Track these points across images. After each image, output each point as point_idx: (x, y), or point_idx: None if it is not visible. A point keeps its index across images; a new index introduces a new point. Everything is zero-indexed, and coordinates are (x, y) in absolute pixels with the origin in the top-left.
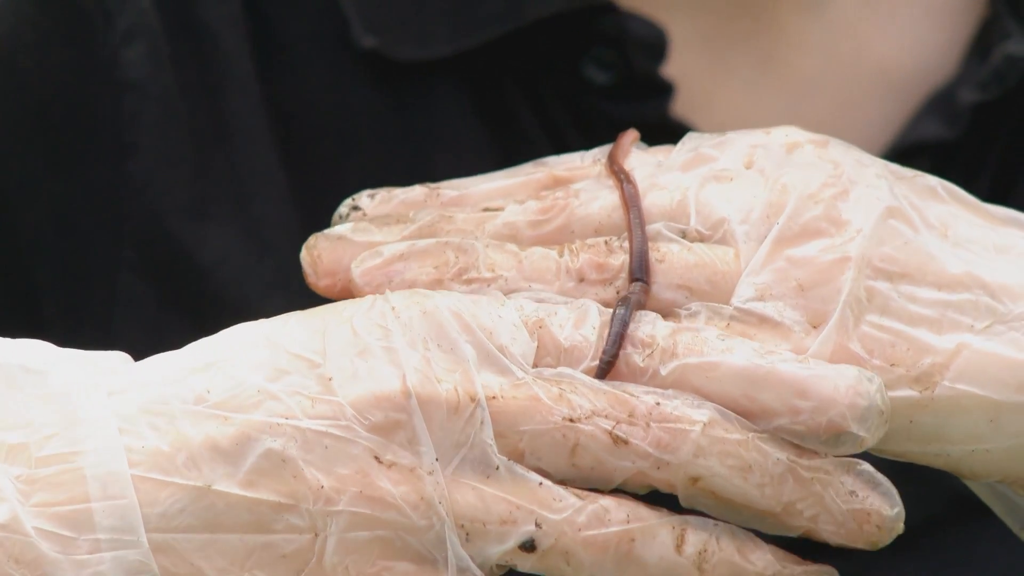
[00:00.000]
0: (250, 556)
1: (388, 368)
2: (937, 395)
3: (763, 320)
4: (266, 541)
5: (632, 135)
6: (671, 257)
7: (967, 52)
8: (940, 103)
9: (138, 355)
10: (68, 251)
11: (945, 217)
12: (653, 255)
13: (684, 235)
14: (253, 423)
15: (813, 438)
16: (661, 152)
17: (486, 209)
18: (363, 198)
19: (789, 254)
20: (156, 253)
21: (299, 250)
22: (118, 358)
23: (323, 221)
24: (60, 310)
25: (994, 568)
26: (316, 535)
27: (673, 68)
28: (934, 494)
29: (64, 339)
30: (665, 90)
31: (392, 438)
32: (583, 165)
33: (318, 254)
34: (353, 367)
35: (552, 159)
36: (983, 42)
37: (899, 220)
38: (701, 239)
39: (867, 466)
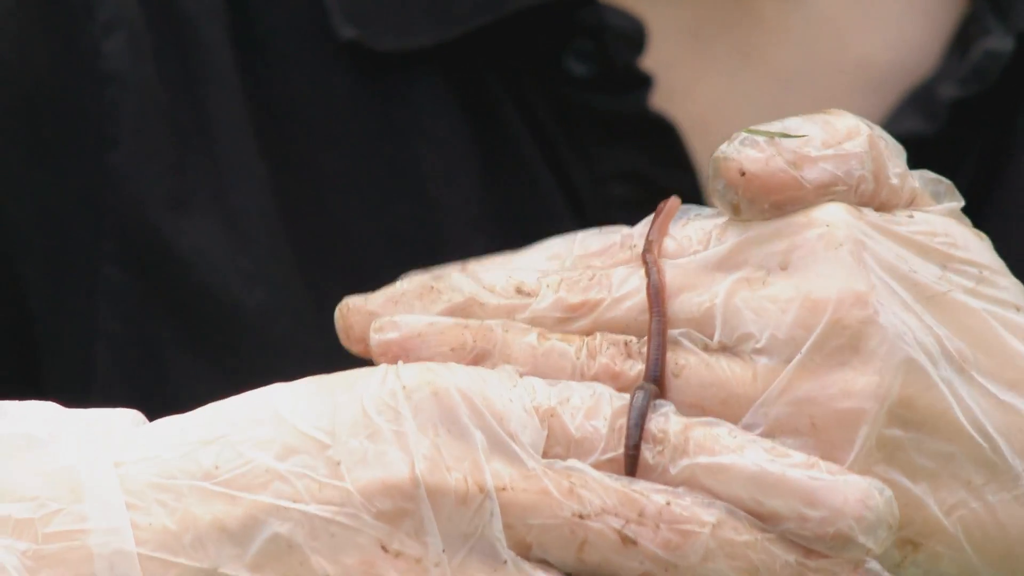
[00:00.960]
0: None
1: (397, 454)
2: (919, 557)
3: None
4: None
5: (673, 205)
6: (687, 372)
7: (947, 47)
8: (920, 98)
9: (120, 346)
10: (51, 243)
11: (965, 349)
12: (670, 367)
13: (706, 347)
14: (261, 505)
15: (819, 544)
16: (706, 223)
17: (519, 291)
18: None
19: (808, 387)
20: (137, 245)
21: (280, 241)
22: (128, 418)
23: (303, 211)
24: (45, 302)
25: None
26: None
27: (653, 59)
28: None
29: (49, 332)
30: (644, 82)
31: (399, 526)
32: (621, 251)
33: (350, 324)
34: (362, 450)
35: (592, 240)
36: (963, 37)
37: (922, 356)
38: (723, 349)
39: (875, 564)
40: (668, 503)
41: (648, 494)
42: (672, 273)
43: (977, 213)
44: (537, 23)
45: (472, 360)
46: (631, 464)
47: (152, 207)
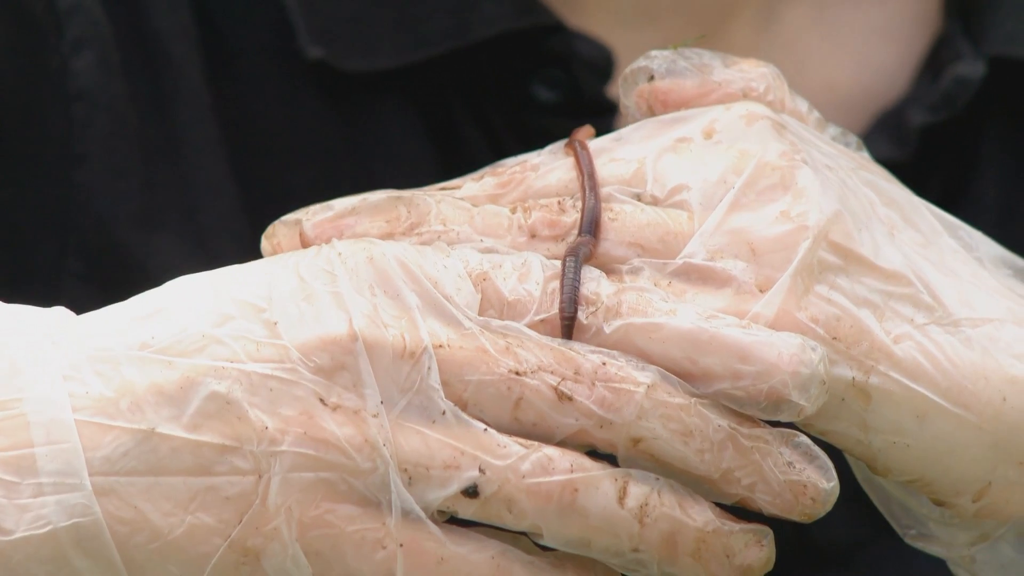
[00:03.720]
0: (194, 499)
1: (335, 312)
2: (872, 380)
3: (707, 278)
4: (210, 484)
5: (588, 129)
6: (624, 216)
7: (918, 71)
8: (889, 124)
9: None
10: (14, 260)
11: (895, 217)
12: (606, 214)
13: (639, 199)
14: (198, 367)
15: (752, 404)
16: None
17: (443, 188)
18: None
19: (744, 217)
20: (105, 263)
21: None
22: (60, 312)
23: None
24: None
25: None
26: (260, 476)
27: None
28: (869, 512)
29: None
30: (611, 109)
31: (336, 380)
32: (539, 159)
33: (277, 241)
34: (299, 311)
35: (508, 160)
36: (934, 62)
37: (854, 205)
38: (656, 203)
39: (804, 438)
40: (604, 363)
41: (584, 353)
42: (597, 147)
43: None
44: (504, 49)
45: (408, 228)
46: (567, 329)
47: (120, 225)
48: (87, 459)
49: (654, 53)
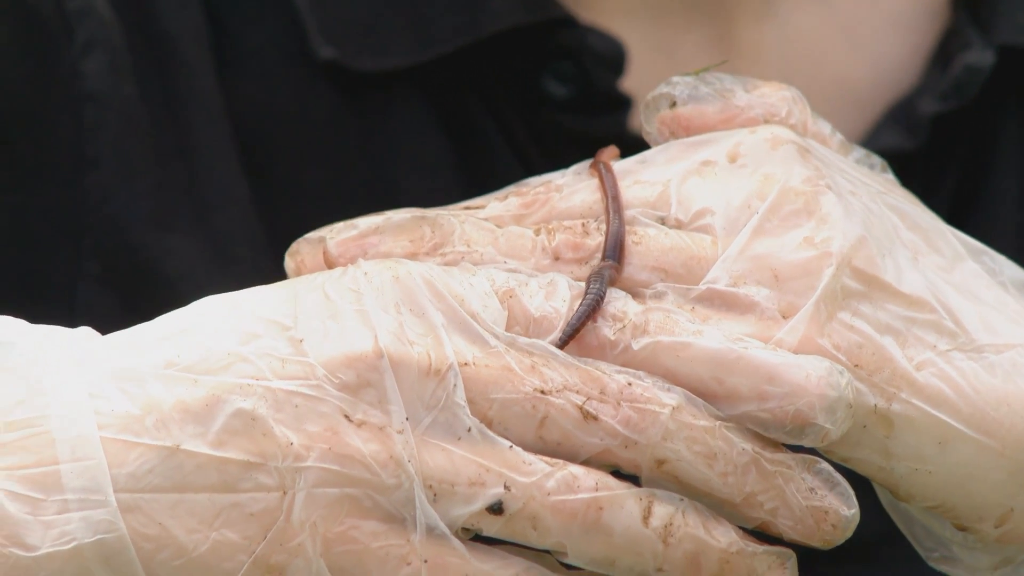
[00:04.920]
0: (219, 515)
1: (360, 329)
2: (893, 408)
3: (731, 305)
4: (234, 500)
5: (613, 150)
6: (648, 240)
7: (928, 62)
8: (900, 114)
9: None
10: (27, 264)
11: (919, 243)
12: (630, 238)
13: (663, 222)
14: (223, 384)
15: (778, 427)
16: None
17: (467, 208)
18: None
19: (768, 243)
20: (119, 265)
21: (264, 259)
22: (85, 332)
23: (286, 230)
24: None
25: None
26: (284, 493)
27: (631, 79)
28: None
29: None
30: (623, 104)
31: (362, 397)
32: (563, 180)
33: (301, 259)
34: (324, 329)
35: (532, 179)
36: (944, 52)
37: (878, 230)
38: (680, 227)
39: (826, 465)
40: (629, 383)
41: (610, 373)
42: (621, 169)
43: (959, 227)
44: (516, 44)
45: (432, 248)
46: (592, 306)
47: (134, 227)
48: (112, 476)
49: (675, 79)
